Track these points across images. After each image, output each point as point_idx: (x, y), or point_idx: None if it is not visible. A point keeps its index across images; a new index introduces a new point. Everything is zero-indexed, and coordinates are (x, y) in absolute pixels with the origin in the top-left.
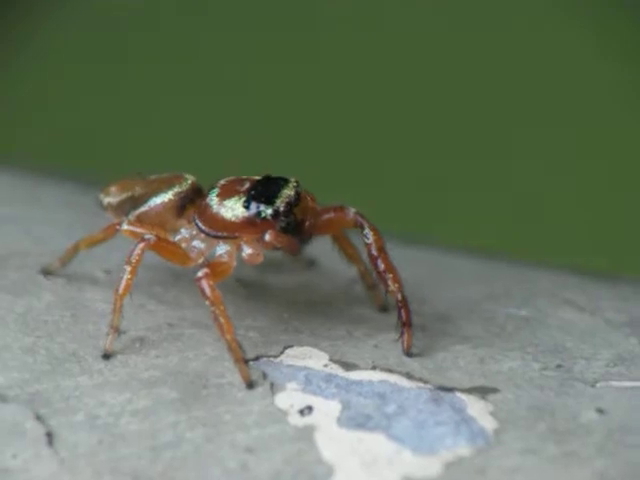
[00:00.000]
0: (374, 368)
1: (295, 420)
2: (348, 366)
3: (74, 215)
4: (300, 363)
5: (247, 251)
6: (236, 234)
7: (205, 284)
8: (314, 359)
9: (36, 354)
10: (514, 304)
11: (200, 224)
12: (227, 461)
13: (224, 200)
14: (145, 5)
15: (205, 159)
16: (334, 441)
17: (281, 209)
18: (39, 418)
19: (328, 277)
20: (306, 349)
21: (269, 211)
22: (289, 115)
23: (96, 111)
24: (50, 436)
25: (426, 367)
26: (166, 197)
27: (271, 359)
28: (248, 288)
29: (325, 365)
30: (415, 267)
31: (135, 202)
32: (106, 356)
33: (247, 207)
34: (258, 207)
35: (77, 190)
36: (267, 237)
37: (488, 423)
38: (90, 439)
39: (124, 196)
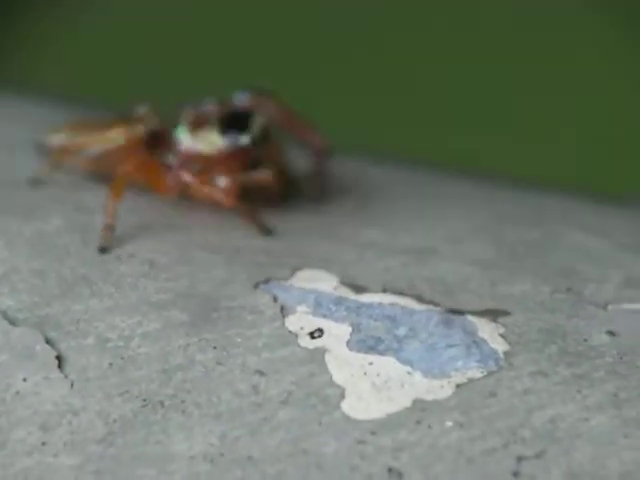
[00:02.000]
0: (384, 291)
1: (305, 343)
2: (358, 289)
3: None
4: (310, 286)
5: None
6: None
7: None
8: (324, 282)
9: (46, 277)
10: (524, 227)
11: None
12: (238, 383)
13: None
14: None
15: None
16: (345, 364)
17: None
18: (49, 341)
19: (337, 201)
20: (316, 272)
21: None
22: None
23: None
24: (60, 359)
25: (437, 290)
26: None
27: (281, 282)
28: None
29: (335, 288)
30: (419, 190)
31: None
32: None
33: None
34: None
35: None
36: None
37: (499, 345)
38: (100, 362)
39: None
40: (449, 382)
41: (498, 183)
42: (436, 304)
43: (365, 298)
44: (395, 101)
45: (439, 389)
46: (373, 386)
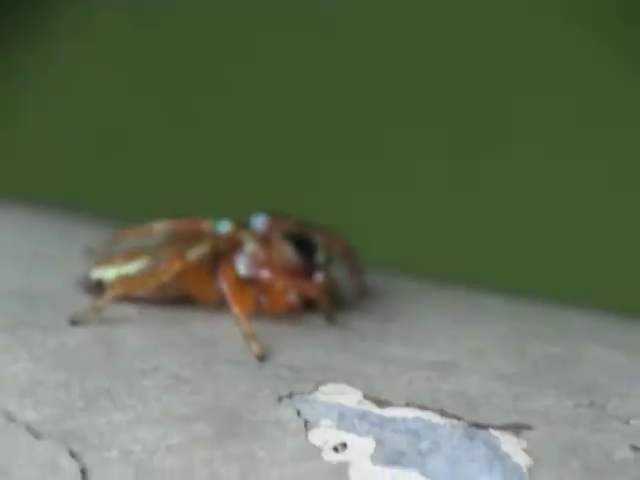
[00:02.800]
0: (408, 405)
1: (329, 457)
2: (382, 403)
3: None
4: (334, 400)
5: None
6: None
7: None
8: (348, 396)
9: (69, 390)
10: (547, 342)
11: None
12: None
13: None
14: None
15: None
16: (368, 478)
17: None
18: (73, 454)
19: (361, 316)
20: (340, 386)
21: None
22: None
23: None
24: (84, 473)
25: (459, 404)
26: None
27: (305, 396)
28: (280, 325)
29: (359, 402)
30: (446, 305)
31: None
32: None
33: None
34: None
35: (104, 229)
36: None
37: (522, 460)
38: (124, 475)
39: None
40: None
41: (522, 298)
42: (459, 418)
43: (389, 412)
44: (421, 217)
45: None
46: None
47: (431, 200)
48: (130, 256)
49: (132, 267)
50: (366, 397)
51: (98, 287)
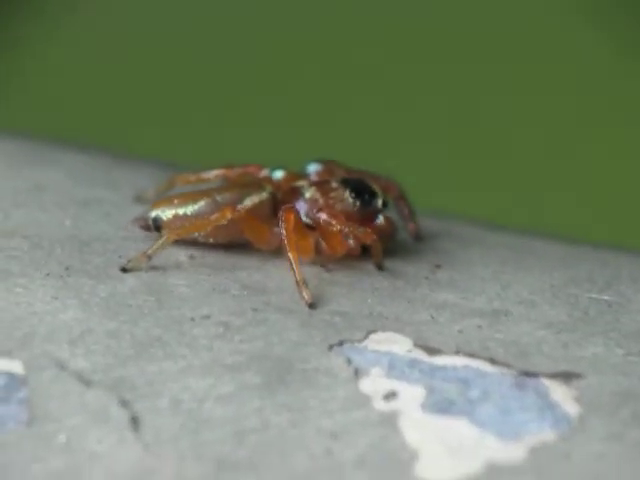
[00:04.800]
0: (458, 353)
1: (379, 405)
2: (432, 351)
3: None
4: (384, 348)
5: None
6: None
7: None
8: (398, 344)
9: (120, 339)
10: (597, 289)
11: None
12: (312, 446)
13: None
14: None
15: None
16: (418, 426)
17: None
18: (123, 403)
19: (412, 262)
20: (390, 334)
21: None
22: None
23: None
24: (135, 421)
25: (510, 352)
26: None
27: (355, 344)
28: (331, 272)
29: (409, 350)
30: (497, 251)
31: None
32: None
33: None
34: None
35: (153, 175)
36: None
37: (572, 408)
38: (174, 424)
39: None
40: (522, 445)
41: (572, 244)
42: (509, 366)
43: (439, 360)
44: (475, 163)
45: (512, 452)
46: (446, 448)
47: (485, 146)
48: (188, 198)
49: (190, 209)
50: (416, 345)
51: (155, 226)
